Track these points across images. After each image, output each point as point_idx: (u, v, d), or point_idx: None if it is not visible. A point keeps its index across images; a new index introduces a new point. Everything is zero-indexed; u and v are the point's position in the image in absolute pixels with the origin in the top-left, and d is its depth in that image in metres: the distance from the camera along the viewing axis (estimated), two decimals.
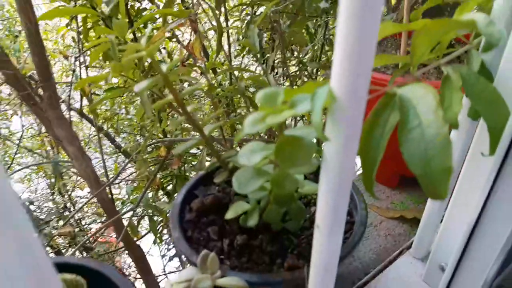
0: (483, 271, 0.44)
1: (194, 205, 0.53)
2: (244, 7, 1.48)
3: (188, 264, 0.48)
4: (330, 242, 0.34)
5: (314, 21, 1.30)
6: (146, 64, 1.14)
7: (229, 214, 0.46)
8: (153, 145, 1.55)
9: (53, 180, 2.80)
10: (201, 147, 1.60)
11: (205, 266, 0.40)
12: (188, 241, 0.48)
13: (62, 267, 0.42)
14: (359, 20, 0.23)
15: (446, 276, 0.47)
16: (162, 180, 1.37)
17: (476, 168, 0.42)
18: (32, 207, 2.50)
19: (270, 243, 0.47)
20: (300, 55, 1.21)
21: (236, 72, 1.36)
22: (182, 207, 0.53)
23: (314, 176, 0.58)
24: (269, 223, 0.48)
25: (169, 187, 1.65)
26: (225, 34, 1.22)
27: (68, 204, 2.82)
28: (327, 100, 0.28)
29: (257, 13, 1.43)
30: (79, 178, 3.18)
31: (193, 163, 1.60)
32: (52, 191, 2.81)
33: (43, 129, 2.66)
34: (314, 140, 0.36)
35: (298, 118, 1.50)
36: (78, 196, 3.07)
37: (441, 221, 0.50)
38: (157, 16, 1.41)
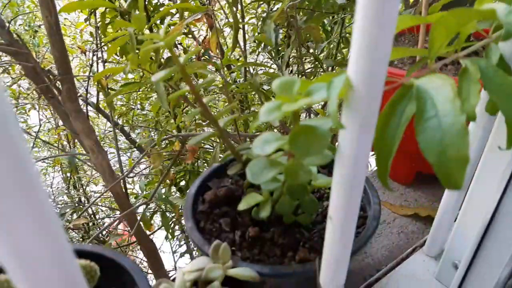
0: (497, 268, 0.43)
1: (207, 196, 0.53)
2: (261, 3, 1.49)
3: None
4: (343, 233, 0.34)
5: (331, 18, 1.30)
6: (162, 60, 1.15)
7: (242, 206, 0.46)
8: (167, 140, 1.56)
9: (68, 174, 2.84)
10: (214, 143, 1.61)
11: (216, 256, 0.40)
12: (201, 231, 0.48)
13: (76, 254, 0.42)
14: (377, 8, 0.23)
15: (459, 273, 0.47)
16: (175, 175, 1.38)
17: (493, 163, 0.41)
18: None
19: (282, 236, 0.47)
20: (316, 52, 1.21)
21: (251, 69, 1.37)
22: (196, 198, 0.53)
23: (327, 171, 0.58)
24: (281, 216, 0.48)
25: (182, 183, 1.66)
26: (240, 31, 1.23)
27: (83, 199, 2.86)
28: (344, 89, 0.28)
29: (273, 10, 1.43)
30: (94, 172, 3.23)
31: (206, 159, 1.61)
32: (67, 185, 2.85)
33: (60, 123, 2.71)
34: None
35: (312, 116, 1.50)
36: (92, 191, 3.11)
37: (456, 220, 0.50)
38: (173, 11, 1.42)
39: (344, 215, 0.32)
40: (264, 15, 1.34)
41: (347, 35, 1.39)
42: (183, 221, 2.00)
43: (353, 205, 0.31)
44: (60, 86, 1.26)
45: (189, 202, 0.51)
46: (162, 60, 1.15)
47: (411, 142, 0.33)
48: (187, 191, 0.54)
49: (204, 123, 1.17)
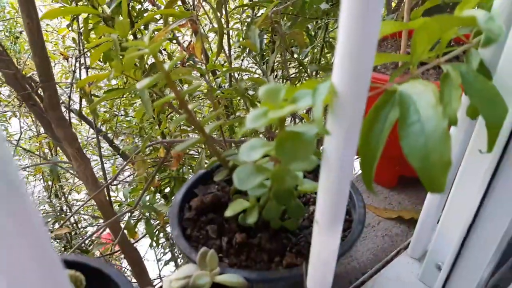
0: (479, 269, 0.44)
1: (193, 203, 0.53)
2: (245, 8, 1.49)
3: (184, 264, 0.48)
4: (329, 237, 0.34)
5: (314, 23, 1.31)
6: (147, 66, 1.15)
7: (228, 212, 0.46)
8: (151, 147, 1.55)
9: (50, 182, 2.79)
10: (199, 149, 1.61)
11: (204, 263, 0.40)
12: (187, 239, 0.48)
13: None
14: (361, 15, 0.23)
15: (443, 275, 0.48)
16: (160, 182, 1.37)
17: (474, 166, 0.42)
18: None
19: (269, 242, 0.47)
20: (300, 57, 1.22)
21: (235, 74, 1.37)
22: (182, 205, 0.53)
23: (313, 176, 0.58)
24: (268, 221, 0.48)
25: (167, 190, 1.65)
26: (225, 36, 1.23)
27: (65, 207, 2.81)
28: (328, 95, 0.28)
29: (257, 15, 1.43)
30: (76, 180, 3.18)
31: (191, 165, 1.60)
32: (49, 193, 2.80)
33: (42, 131, 2.67)
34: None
35: (297, 121, 1.51)
36: (74, 199, 3.06)
37: (438, 222, 0.51)
38: (157, 17, 1.42)
39: (331, 219, 0.33)
40: (249, 20, 1.34)
41: (331, 39, 1.41)
42: (168, 229, 1.99)
43: (339, 208, 0.32)
44: (41, 93, 1.24)
45: (175, 209, 0.51)
46: (146, 66, 1.14)
47: (395, 146, 0.34)
48: (173, 198, 0.54)
49: (189, 129, 1.17)
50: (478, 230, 0.42)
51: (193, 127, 0.60)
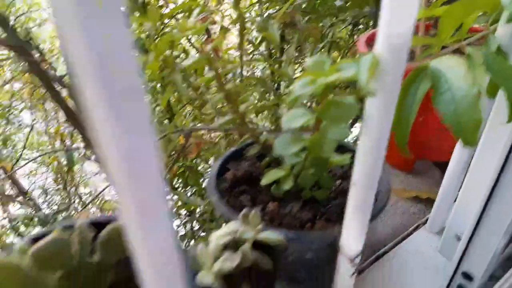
0: (496, 239, 0.48)
1: (227, 176, 0.57)
2: (255, 8, 1.54)
3: None
4: (365, 198, 0.38)
5: (327, 19, 1.36)
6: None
7: (264, 181, 0.50)
8: (163, 139, 1.59)
9: (59, 174, 2.84)
10: (216, 139, 1.65)
11: (247, 221, 0.44)
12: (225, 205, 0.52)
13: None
14: None
15: (461, 245, 0.51)
16: (177, 170, 1.41)
17: (493, 140, 0.46)
18: (40, 200, 2.55)
19: (300, 211, 0.51)
20: (313, 52, 1.27)
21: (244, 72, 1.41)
22: (217, 178, 0.57)
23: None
24: (298, 192, 0.52)
25: (177, 184, 1.69)
26: (235, 32, 1.27)
27: (73, 200, 2.85)
28: (372, 65, 0.32)
29: (265, 15, 1.48)
30: (83, 175, 3.22)
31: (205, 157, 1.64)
32: (59, 186, 2.84)
33: (49, 125, 2.72)
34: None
35: None
36: (81, 193, 3.10)
37: (456, 199, 0.55)
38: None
39: (368, 180, 0.37)
40: (258, 19, 1.39)
41: (337, 40, 1.46)
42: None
43: (376, 169, 0.36)
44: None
45: (213, 180, 0.55)
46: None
47: (413, 128, 0.38)
48: (210, 172, 0.58)
49: (204, 117, 1.20)
50: (497, 199, 0.45)
51: (212, 116, 0.65)
